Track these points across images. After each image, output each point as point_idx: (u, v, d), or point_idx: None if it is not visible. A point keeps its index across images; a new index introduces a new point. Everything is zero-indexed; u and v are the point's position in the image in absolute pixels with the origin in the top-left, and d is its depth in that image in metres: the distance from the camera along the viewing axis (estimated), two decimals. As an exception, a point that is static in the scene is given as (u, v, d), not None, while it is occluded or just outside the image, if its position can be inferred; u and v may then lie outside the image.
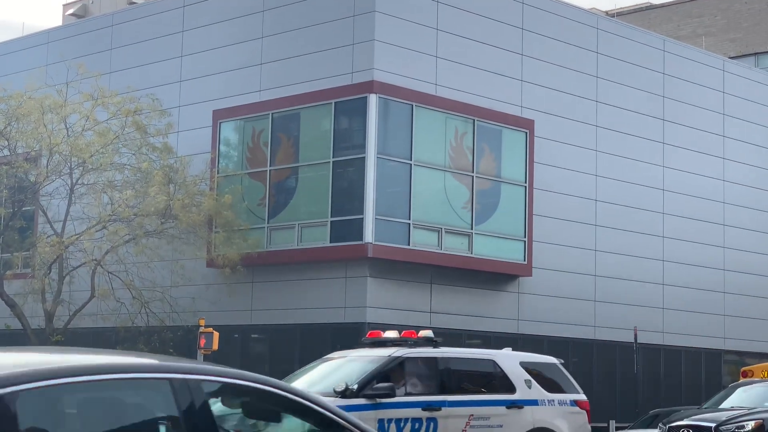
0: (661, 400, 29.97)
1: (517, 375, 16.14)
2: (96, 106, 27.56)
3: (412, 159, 26.27)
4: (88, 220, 27.35)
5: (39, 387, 5.06)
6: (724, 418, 19.56)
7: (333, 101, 26.21)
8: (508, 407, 15.75)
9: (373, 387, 14.54)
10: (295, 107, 26.99)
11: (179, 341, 27.48)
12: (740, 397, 21.31)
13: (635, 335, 28.87)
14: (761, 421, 19.29)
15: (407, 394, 14.99)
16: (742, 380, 24.28)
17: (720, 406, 21.20)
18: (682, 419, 20.29)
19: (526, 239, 28.44)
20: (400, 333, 16.45)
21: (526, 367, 16.45)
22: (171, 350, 27.28)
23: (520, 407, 15.81)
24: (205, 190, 27.41)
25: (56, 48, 31.99)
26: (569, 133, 30.26)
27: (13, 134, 27.40)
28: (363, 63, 25.90)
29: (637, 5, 50.52)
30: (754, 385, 22.15)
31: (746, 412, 19.85)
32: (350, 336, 25.97)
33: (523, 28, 29.22)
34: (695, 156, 33.79)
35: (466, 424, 15.22)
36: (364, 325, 25.62)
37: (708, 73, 34.58)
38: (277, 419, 6.38)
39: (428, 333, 16.29)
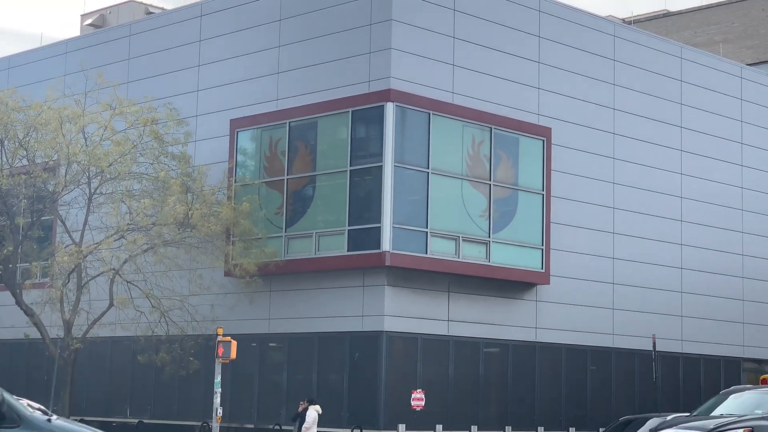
0: (681, 409, 29.82)
1: None
2: (114, 115, 27.65)
3: (430, 167, 26.26)
4: (107, 229, 27.43)
5: None
6: (712, 426, 19.40)
7: (350, 110, 26.24)
8: None
9: None
10: (313, 116, 27.03)
11: (199, 350, 27.53)
12: (731, 404, 21.16)
13: (654, 343, 28.76)
14: (751, 428, 19.15)
15: None
16: (733, 387, 24.14)
17: (711, 414, 21.06)
18: (671, 426, 20.19)
19: (543, 247, 28.39)
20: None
21: None
22: (191, 358, 27.36)
23: None
24: (222, 200, 27.45)
25: (74, 58, 32.14)
26: (586, 141, 30.20)
27: (32, 144, 27.51)
28: (380, 71, 25.92)
29: (654, 12, 50.41)
30: (745, 392, 22.00)
31: (736, 419, 19.70)
32: (368, 345, 25.95)
33: (540, 36, 29.20)
34: (713, 163, 33.68)
35: None
36: (382, 333, 25.61)
37: (725, 80, 34.48)
38: None
39: None
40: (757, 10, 45.92)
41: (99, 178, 27.42)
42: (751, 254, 34.56)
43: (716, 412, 20.99)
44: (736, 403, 21.13)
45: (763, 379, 27.35)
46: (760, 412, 20.36)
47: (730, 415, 20.04)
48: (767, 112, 35.61)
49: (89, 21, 42.85)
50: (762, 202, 35.05)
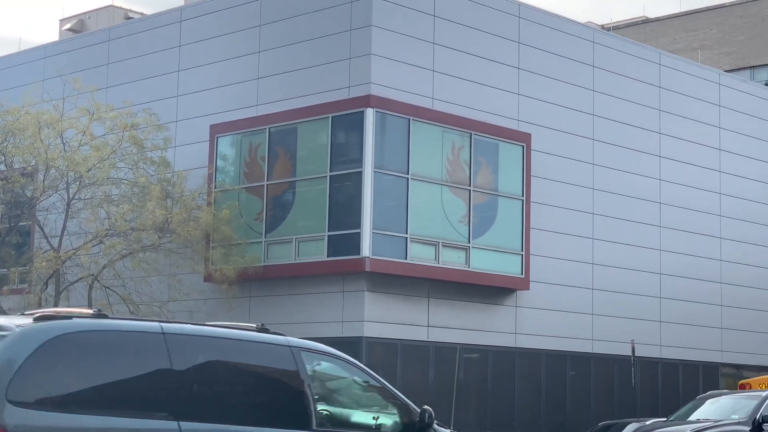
0: (660, 414, 29.94)
1: None
2: (92, 120, 27.55)
3: (409, 173, 26.29)
4: (85, 234, 27.31)
5: None
6: (689, 431, 19.56)
7: (330, 115, 26.23)
8: None
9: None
10: (292, 121, 27.01)
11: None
12: (708, 409, 21.30)
13: (633, 348, 28.84)
14: None
15: None
16: (710, 392, 24.29)
17: (688, 419, 21.19)
18: (649, 431, 20.32)
19: (523, 253, 28.44)
20: None
21: None
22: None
23: None
24: (202, 205, 27.38)
25: (53, 63, 32.01)
26: (566, 147, 30.30)
27: (10, 149, 27.37)
28: (360, 77, 25.93)
29: (632, 19, 50.64)
30: (721, 397, 22.14)
31: (712, 424, 19.85)
32: (348, 350, 25.90)
33: (520, 41, 29.28)
34: (691, 169, 33.84)
35: None
36: (362, 339, 25.59)
37: (703, 86, 34.66)
38: None
39: None
40: (735, 17, 46.20)
41: (77, 183, 27.30)
42: (730, 260, 34.73)
43: (693, 417, 21.11)
44: (712, 408, 21.26)
45: (741, 384, 27.51)
46: (736, 417, 20.49)
47: (707, 420, 20.16)
48: (744, 119, 35.82)
49: (68, 26, 42.70)
50: (740, 207, 35.24)
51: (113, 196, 27.53)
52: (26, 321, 8.38)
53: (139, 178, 27.11)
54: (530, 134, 29.01)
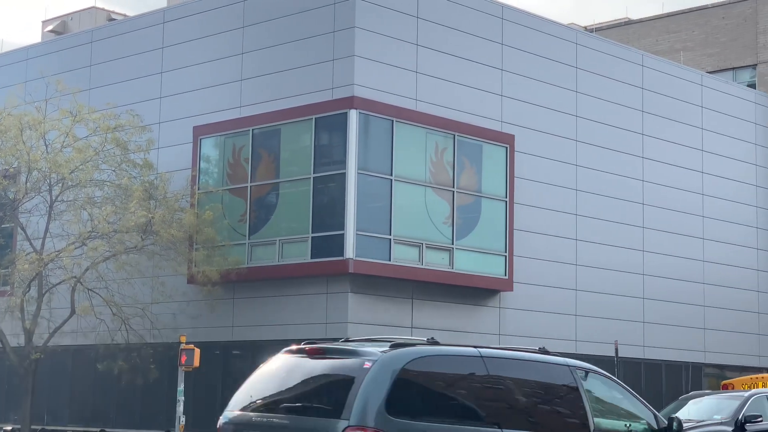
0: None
1: None
2: (75, 122, 27.47)
3: (393, 174, 26.29)
4: (68, 236, 27.22)
5: None
6: None
7: (313, 117, 26.22)
8: None
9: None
10: (276, 123, 26.98)
11: (160, 358, 27.35)
12: (691, 410, 21.36)
13: (616, 349, 28.92)
14: None
15: None
16: (693, 392, 24.32)
17: None
18: None
19: (506, 254, 28.48)
20: None
21: None
22: (152, 366, 27.20)
23: None
24: (185, 207, 27.32)
25: (35, 65, 31.89)
26: (549, 148, 30.36)
27: (-8, 151, 27.27)
28: (343, 78, 25.93)
29: (615, 20, 50.75)
30: (704, 397, 22.19)
31: (695, 425, 19.91)
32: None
33: (503, 43, 29.32)
34: (674, 170, 33.96)
35: None
36: (346, 340, 25.56)
37: (686, 87, 34.79)
38: None
39: None
40: (717, 18, 46.36)
41: (60, 185, 27.22)
42: (712, 260, 34.85)
43: (674, 418, 21.11)
44: (695, 409, 21.32)
45: (724, 384, 27.62)
46: (719, 417, 20.56)
47: (690, 421, 20.22)
48: (727, 120, 35.97)
49: (50, 27, 42.52)
50: (722, 208, 35.37)
51: (96, 198, 27.45)
52: (384, 348, 10.24)
53: (122, 179, 27.05)
54: (513, 135, 29.06)
